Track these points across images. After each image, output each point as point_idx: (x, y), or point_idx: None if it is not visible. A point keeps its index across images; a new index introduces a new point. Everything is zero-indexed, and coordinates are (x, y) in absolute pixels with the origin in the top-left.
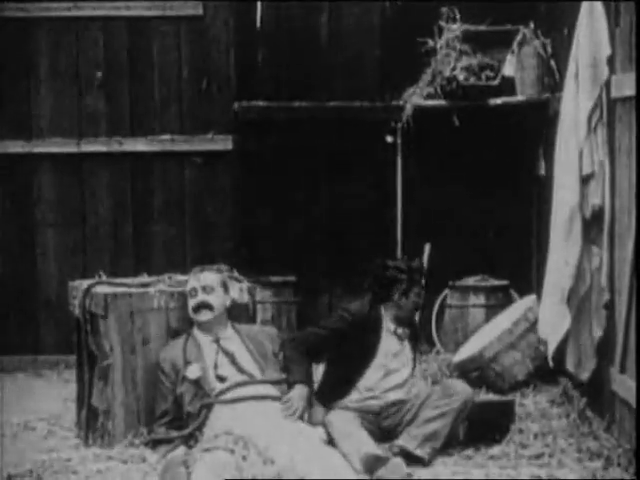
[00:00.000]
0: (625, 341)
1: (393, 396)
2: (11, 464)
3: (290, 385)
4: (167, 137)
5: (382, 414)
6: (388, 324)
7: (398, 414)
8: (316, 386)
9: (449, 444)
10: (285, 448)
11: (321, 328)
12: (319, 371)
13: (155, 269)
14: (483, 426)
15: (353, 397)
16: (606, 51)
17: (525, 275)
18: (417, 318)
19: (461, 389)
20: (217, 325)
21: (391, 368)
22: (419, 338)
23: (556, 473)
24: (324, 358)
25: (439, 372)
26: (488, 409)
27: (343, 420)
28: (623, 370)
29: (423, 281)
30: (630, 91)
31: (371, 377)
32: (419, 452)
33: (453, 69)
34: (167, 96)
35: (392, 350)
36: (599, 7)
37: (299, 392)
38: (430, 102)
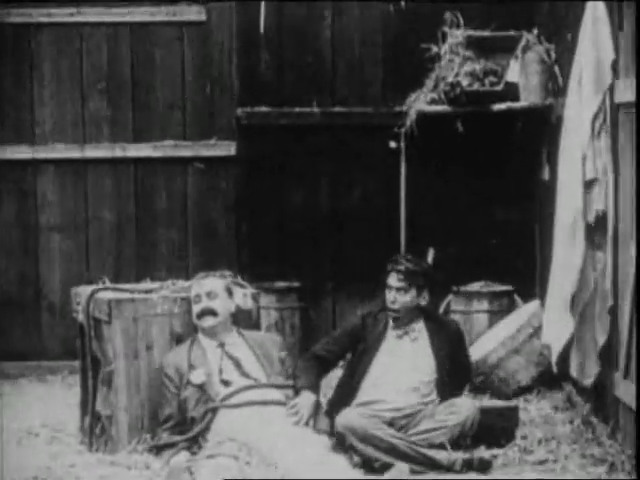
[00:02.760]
0: (629, 346)
1: (403, 401)
2: (15, 470)
3: (297, 391)
4: (170, 142)
5: (395, 425)
6: (390, 322)
7: (410, 423)
8: (326, 400)
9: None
10: (289, 454)
11: (332, 335)
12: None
13: (158, 275)
14: (487, 432)
15: (361, 399)
16: (610, 56)
17: (529, 281)
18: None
19: (463, 409)
20: (222, 331)
21: (395, 367)
22: (456, 350)
23: (560, 479)
24: (335, 365)
25: None
26: (492, 415)
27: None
28: (627, 375)
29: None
30: (634, 96)
31: (373, 373)
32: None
33: (457, 75)
34: (170, 101)
35: (395, 349)
36: (602, 12)
37: (305, 398)
38: (434, 108)
